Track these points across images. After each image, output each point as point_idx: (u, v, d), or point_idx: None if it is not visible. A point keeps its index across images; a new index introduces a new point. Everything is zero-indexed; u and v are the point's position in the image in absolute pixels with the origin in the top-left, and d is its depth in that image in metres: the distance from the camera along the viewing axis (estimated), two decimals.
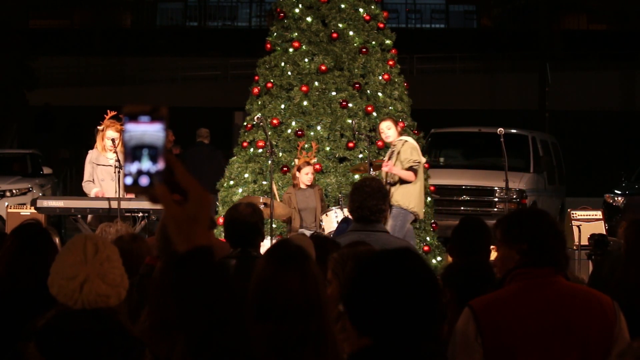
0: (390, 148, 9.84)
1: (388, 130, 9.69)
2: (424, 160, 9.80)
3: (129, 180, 1.81)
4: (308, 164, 10.08)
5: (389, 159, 9.67)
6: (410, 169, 9.43)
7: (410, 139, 9.73)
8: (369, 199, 5.44)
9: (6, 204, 14.69)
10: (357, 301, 2.37)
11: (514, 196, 14.59)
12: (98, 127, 9.64)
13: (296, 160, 10.36)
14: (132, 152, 1.80)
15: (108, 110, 9.57)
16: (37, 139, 26.67)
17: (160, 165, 1.81)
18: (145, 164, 1.80)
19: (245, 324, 1.90)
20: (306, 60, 11.17)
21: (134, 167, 1.80)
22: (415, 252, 2.45)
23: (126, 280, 3.09)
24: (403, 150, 9.52)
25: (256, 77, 11.57)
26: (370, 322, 2.33)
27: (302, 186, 10.01)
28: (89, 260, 3.01)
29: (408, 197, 9.42)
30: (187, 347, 1.88)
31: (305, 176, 9.96)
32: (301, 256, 3.22)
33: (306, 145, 10.68)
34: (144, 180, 1.80)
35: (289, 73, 11.18)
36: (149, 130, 1.81)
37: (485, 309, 3.27)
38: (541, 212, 3.56)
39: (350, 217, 9.21)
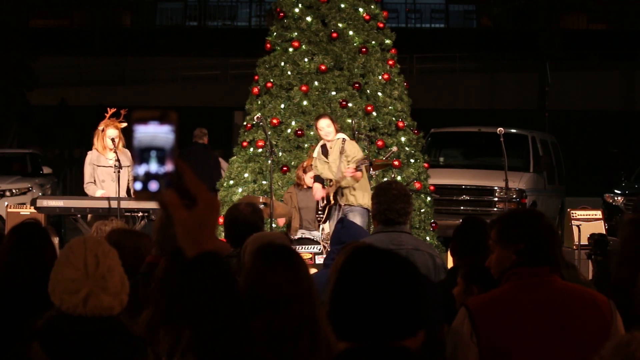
0: (326, 143, 9.62)
1: (328, 127, 9.49)
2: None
3: (138, 186, 1.80)
4: None
5: (327, 155, 9.56)
6: (357, 168, 9.29)
7: (347, 137, 9.64)
8: (397, 202, 5.42)
9: (6, 203, 14.68)
10: (332, 308, 2.29)
11: (514, 196, 14.59)
12: (99, 128, 9.62)
13: (304, 163, 10.32)
14: (140, 154, 1.80)
15: (108, 109, 9.55)
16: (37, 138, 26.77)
17: (168, 167, 1.81)
18: (153, 166, 1.80)
19: (250, 327, 1.90)
20: (306, 60, 11.17)
21: (141, 170, 1.80)
22: (394, 253, 2.32)
23: (127, 284, 3.07)
24: (350, 149, 9.38)
25: (256, 77, 11.56)
26: (344, 328, 2.23)
27: (305, 187, 10.05)
28: (90, 275, 2.97)
29: (367, 196, 9.34)
30: (193, 350, 1.89)
31: (310, 179, 10.00)
32: (286, 250, 3.31)
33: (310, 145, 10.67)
34: (154, 186, 1.80)
35: (289, 73, 11.18)
36: (159, 133, 1.81)
37: (480, 309, 3.28)
38: (537, 212, 3.59)
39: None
